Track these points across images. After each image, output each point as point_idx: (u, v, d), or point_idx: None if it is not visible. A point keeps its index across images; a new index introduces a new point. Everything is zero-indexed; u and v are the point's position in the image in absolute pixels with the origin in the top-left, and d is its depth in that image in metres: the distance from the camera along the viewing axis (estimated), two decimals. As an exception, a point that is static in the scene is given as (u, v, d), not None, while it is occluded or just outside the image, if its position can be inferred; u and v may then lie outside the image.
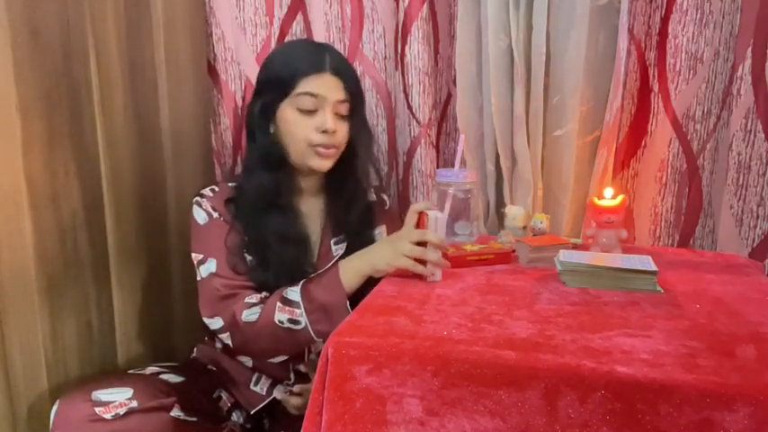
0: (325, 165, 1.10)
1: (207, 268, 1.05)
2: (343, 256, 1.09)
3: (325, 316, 0.97)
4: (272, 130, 1.10)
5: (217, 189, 1.13)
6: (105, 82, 1.10)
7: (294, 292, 0.99)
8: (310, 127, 1.06)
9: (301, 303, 0.98)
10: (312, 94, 1.05)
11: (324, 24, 1.38)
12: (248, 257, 1.07)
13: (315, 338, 0.98)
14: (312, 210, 1.17)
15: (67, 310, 1.06)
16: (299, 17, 1.40)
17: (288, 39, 1.42)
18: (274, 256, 1.06)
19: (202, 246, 1.07)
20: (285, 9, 1.40)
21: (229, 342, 1.04)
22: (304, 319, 0.97)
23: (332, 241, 1.14)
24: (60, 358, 1.05)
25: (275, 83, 1.08)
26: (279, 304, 0.99)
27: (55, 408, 0.95)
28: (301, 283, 1.01)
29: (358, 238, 1.13)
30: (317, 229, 1.16)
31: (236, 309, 1.01)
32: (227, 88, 1.42)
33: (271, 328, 0.98)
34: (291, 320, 0.98)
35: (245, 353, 1.11)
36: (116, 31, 1.12)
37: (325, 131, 1.06)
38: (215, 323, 1.04)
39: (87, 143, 1.08)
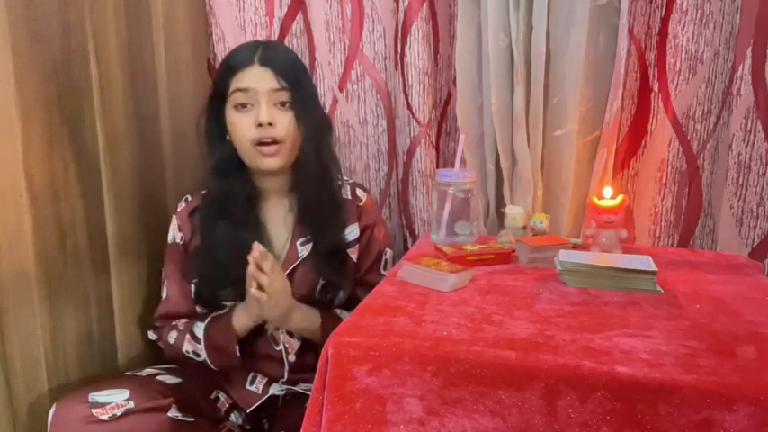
0: (273, 163, 1.07)
1: (163, 289, 1.17)
2: (309, 258, 1.11)
3: (219, 354, 1.09)
4: (227, 138, 1.11)
5: (190, 199, 1.18)
6: (105, 82, 1.10)
7: (199, 329, 1.10)
8: (248, 123, 1.05)
9: (202, 340, 1.09)
10: (242, 89, 1.05)
11: (324, 24, 1.38)
12: (199, 268, 1.12)
13: (214, 368, 1.11)
14: (278, 212, 1.15)
15: (67, 310, 1.06)
16: (299, 17, 1.40)
17: (288, 39, 1.42)
18: (223, 268, 1.08)
19: (164, 265, 1.18)
20: (285, 9, 1.40)
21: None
22: (204, 354, 1.10)
23: (298, 242, 1.12)
24: (60, 358, 1.05)
25: (215, 88, 1.10)
26: (188, 336, 1.11)
27: (52, 410, 0.95)
28: (207, 319, 1.11)
29: (324, 239, 1.11)
30: (285, 232, 1.14)
31: (163, 331, 1.15)
32: (227, 88, 1.42)
33: (181, 353, 1.12)
34: (194, 353, 1.11)
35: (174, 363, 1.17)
36: (116, 31, 1.12)
37: (260, 125, 1.04)
38: (151, 335, 1.18)
39: (87, 143, 1.08)
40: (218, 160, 1.11)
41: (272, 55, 1.07)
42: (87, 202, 1.08)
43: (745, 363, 0.65)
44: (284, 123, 1.06)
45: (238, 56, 1.08)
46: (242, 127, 1.06)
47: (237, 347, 1.07)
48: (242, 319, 1.08)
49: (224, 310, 1.12)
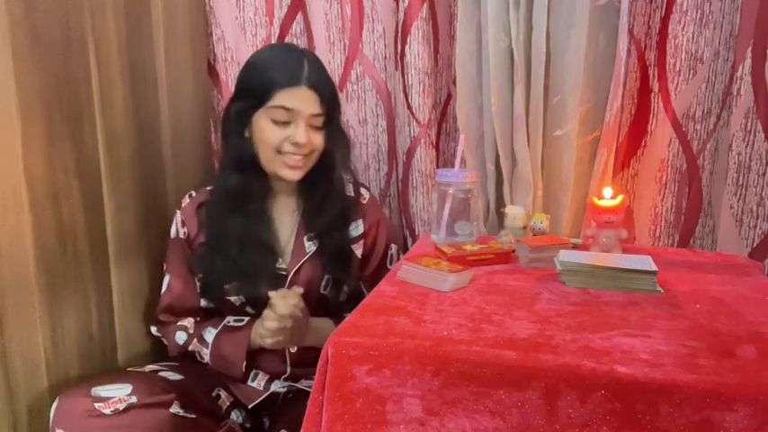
0: (296, 175, 1.10)
1: (165, 282, 1.19)
2: (314, 254, 1.14)
3: (225, 363, 1.12)
4: (246, 134, 1.11)
5: (194, 194, 1.21)
6: (105, 82, 1.10)
7: (210, 334, 1.13)
8: (282, 137, 1.07)
9: (210, 346, 1.13)
10: (286, 108, 1.06)
11: (324, 24, 1.38)
12: (207, 262, 1.14)
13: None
14: (285, 210, 1.18)
15: (67, 310, 1.06)
16: (299, 17, 1.40)
17: (288, 39, 1.42)
18: (233, 262, 1.11)
19: (166, 260, 1.20)
20: (285, 9, 1.40)
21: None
22: (207, 359, 1.14)
23: (304, 238, 1.16)
24: (60, 358, 1.05)
25: (252, 91, 1.09)
26: (195, 340, 1.14)
27: (55, 403, 0.96)
28: (220, 326, 1.14)
29: (330, 238, 1.15)
30: (289, 229, 1.17)
31: (170, 328, 1.18)
32: (227, 88, 1.42)
33: (186, 351, 1.15)
34: (199, 355, 1.15)
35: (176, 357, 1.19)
36: (116, 31, 1.12)
37: (296, 143, 1.07)
38: (154, 331, 1.21)
39: (87, 143, 1.08)
40: (234, 155, 1.12)
41: (318, 76, 1.08)
42: (87, 202, 1.08)
43: (745, 363, 0.65)
44: (316, 141, 1.10)
45: (285, 71, 1.06)
46: (275, 137, 1.07)
47: (244, 364, 1.11)
48: (258, 341, 1.10)
49: (242, 323, 1.13)
